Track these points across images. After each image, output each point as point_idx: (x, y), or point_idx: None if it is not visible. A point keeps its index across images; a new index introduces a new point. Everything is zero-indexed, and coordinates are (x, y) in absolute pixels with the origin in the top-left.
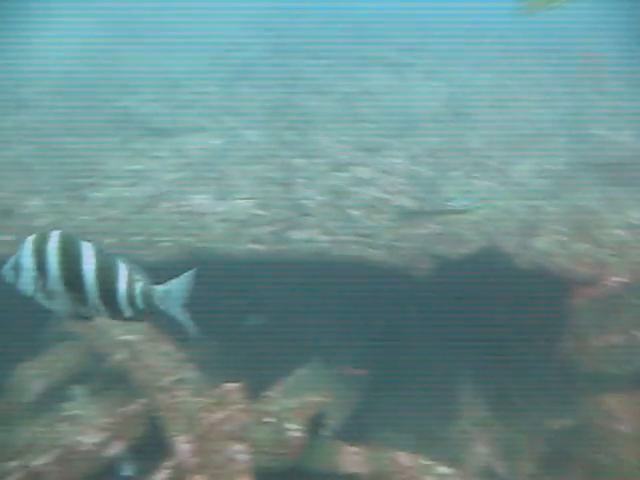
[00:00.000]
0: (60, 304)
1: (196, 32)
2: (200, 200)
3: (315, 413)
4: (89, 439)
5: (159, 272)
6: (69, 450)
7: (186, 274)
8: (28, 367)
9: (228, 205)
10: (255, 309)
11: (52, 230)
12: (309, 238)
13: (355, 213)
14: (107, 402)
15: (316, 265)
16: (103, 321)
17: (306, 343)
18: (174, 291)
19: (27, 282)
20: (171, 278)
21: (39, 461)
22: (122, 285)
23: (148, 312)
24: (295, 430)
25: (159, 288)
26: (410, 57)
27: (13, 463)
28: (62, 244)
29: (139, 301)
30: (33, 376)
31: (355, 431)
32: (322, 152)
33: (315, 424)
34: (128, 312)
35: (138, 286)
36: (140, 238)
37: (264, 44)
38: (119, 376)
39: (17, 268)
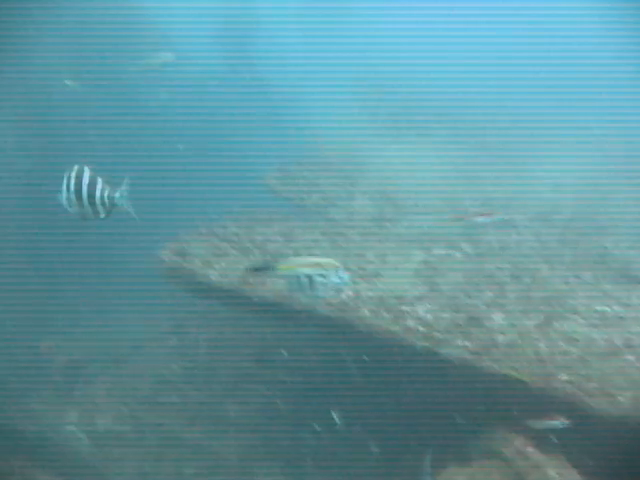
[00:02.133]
0: (73, 209)
1: None
2: None
3: None
4: None
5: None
6: None
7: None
8: None
9: None
10: None
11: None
12: None
13: None
14: None
15: None
16: None
17: None
18: (125, 191)
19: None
20: None
21: None
22: (97, 193)
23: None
24: None
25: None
26: None
27: None
28: (76, 177)
29: (106, 200)
30: None
31: None
32: None
33: None
34: (102, 210)
35: (105, 192)
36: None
37: None
38: None
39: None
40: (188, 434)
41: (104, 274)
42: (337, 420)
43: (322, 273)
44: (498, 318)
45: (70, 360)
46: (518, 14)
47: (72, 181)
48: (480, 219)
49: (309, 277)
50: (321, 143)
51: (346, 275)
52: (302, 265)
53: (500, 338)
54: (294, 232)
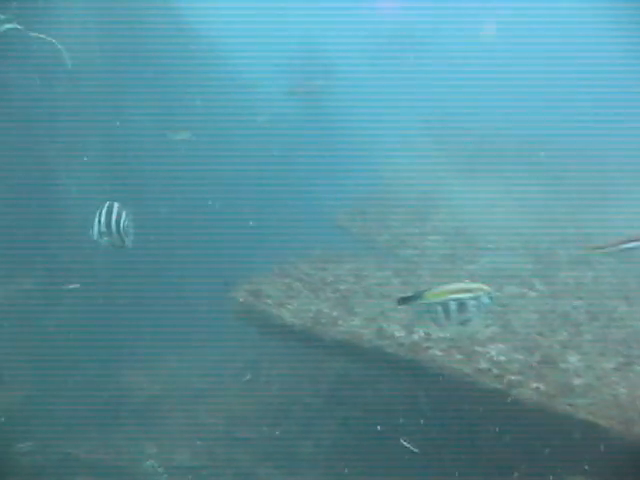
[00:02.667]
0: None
1: None
2: None
3: None
4: None
5: None
6: None
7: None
8: None
9: None
10: None
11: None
12: None
13: None
14: None
15: None
16: None
17: None
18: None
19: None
20: None
21: None
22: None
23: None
24: None
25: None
26: None
27: None
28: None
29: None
30: None
31: None
32: None
33: None
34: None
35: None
36: None
37: None
38: None
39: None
40: (262, 469)
41: (182, 312)
42: (410, 449)
43: (473, 296)
44: (574, 359)
45: (149, 395)
46: (598, 62)
47: (103, 216)
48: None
49: (461, 302)
50: (393, 181)
51: (494, 296)
52: (451, 292)
53: (576, 381)
54: (365, 271)
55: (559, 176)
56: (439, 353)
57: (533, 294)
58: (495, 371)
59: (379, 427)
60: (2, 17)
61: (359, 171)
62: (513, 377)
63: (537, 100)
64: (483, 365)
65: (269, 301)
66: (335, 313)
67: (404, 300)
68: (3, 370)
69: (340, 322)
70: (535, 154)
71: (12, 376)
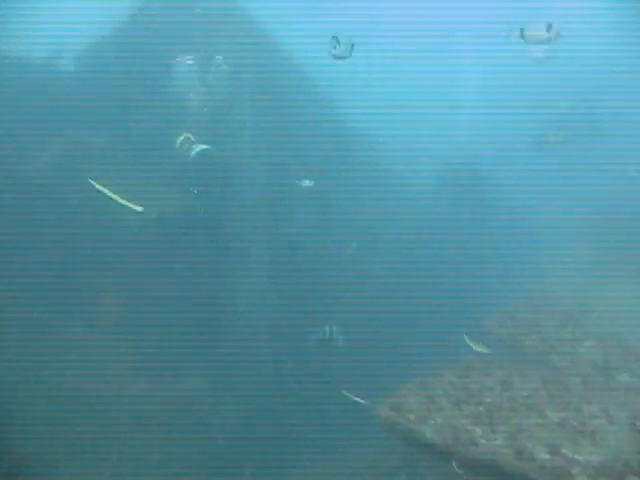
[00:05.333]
0: None
1: None
2: None
3: None
4: None
5: None
6: None
7: None
8: None
9: None
10: None
11: None
12: None
13: None
14: None
15: None
16: None
17: None
18: None
19: None
20: None
21: None
22: None
23: None
24: None
25: None
26: None
27: None
28: None
29: None
30: None
31: None
32: None
33: None
34: None
35: None
36: None
37: None
38: None
39: None
40: None
41: (321, 425)
42: None
43: None
44: None
45: None
46: None
47: None
48: None
49: None
50: (545, 285)
51: None
52: None
53: None
54: (512, 380)
55: None
56: None
57: None
58: None
59: None
60: (193, 138)
61: (508, 273)
62: None
63: None
64: None
65: (411, 416)
66: (478, 430)
67: None
68: None
69: (482, 441)
70: None
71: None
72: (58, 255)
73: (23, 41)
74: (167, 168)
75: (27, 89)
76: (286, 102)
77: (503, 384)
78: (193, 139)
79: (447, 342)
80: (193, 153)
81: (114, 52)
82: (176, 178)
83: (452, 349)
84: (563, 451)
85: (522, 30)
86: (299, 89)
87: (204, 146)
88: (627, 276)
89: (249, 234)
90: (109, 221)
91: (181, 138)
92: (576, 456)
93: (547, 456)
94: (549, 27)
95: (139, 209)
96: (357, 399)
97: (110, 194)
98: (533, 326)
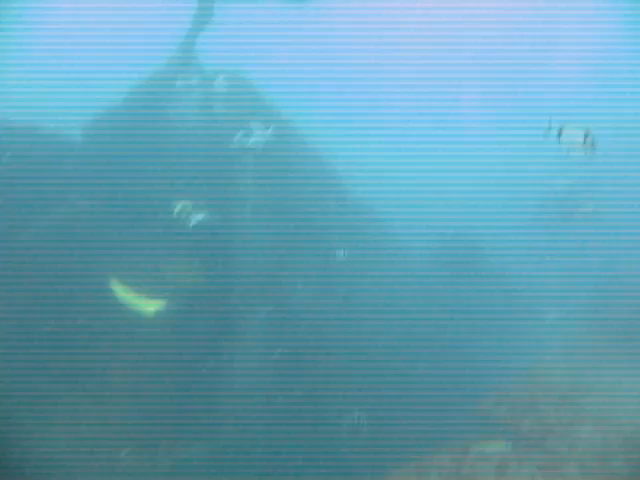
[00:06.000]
0: None
1: None
2: None
3: None
4: None
5: None
6: None
7: None
8: None
9: None
10: None
11: None
12: None
13: None
14: None
15: None
16: None
17: None
18: None
19: None
20: None
21: None
22: None
23: None
24: None
25: None
26: None
27: None
28: None
29: None
30: None
31: None
32: None
33: None
34: None
35: None
36: None
37: None
38: None
39: None
40: None
41: None
42: None
43: None
44: None
45: None
46: None
47: None
48: None
49: None
50: (542, 364)
51: None
52: None
53: None
54: (506, 465)
55: None
56: None
57: None
58: None
59: None
60: (191, 205)
61: (506, 353)
62: None
63: None
64: None
65: None
66: None
67: None
68: None
69: None
70: None
71: None
72: (55, 325)
73: (28, 112)
74: (167, 238)
75: (31, 159)
76: (287, 173)
77: (498, 468)
78: (191, 207)
79: (442, 424)
80: (192, 222)
81: (117, 122)
82: (177, 249)
83: (447, 432)
84: None
85: (560, 130)
86: (301, 160)
87: (202, 215)
88: (628, 360)
89: (249, 309)
90: (108, 291)
91: (179, 206)
92: None
93: None
94: (586, 136)
95: (152, 309)
96: None
97: (127, 294)
98: (530, 407)
